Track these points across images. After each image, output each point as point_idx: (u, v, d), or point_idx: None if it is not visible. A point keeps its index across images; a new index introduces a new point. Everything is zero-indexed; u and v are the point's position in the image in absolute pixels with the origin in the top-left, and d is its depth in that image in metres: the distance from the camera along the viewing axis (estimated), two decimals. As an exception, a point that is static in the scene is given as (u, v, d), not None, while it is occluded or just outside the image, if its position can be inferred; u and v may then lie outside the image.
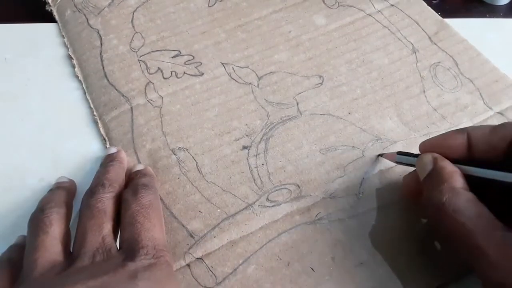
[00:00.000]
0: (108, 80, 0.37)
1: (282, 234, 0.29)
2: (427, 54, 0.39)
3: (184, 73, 0.38)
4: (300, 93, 0.36)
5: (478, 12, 0.44)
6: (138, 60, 0.38)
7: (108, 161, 0.31)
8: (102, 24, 0.41)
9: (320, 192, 0.31)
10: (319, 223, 0.30)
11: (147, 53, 0.39)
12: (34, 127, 0.35)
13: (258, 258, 0.28)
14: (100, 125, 0.35)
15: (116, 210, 0.27)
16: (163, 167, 0.32)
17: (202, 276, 0.28)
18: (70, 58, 0.39)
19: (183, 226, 0.30)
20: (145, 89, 0.36)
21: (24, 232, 0.26)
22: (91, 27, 0.41)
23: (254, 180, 0.32)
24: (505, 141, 0.24)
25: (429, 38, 0.40)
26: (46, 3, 0.43)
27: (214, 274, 0.28)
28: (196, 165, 0.32)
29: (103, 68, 0.38)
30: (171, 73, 0.37)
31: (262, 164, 0.32)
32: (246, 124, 0.35)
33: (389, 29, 0.41)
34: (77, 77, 0.38)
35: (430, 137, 0.32)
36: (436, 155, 0.26)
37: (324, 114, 0.35)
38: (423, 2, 0.43)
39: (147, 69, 0.38)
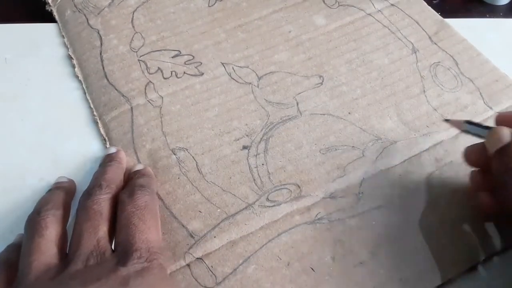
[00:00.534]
0: (108, 80, 0.37)
1: (282, 234, 0.29)
2: (427, 54, 0.39)
3: (184, 73, 0.38)
4: (300, 93, 0.36)
5: (478, 12, 0.44)
6: (138, 60, 0.38)
7: (107, 161, 0.31)
8: (102, 24, 0.41)
9: (320, 192, 0.31)
10: (319, 223, 0.30)
11: (147, 53, 0.39)
12: (34, 127, 0.35)
13: (258, 258, 0.28)
14: (100, 125, 0.35)
15: (113, 211, 0.27)
16: (163, 167, 0.32)
17: (202, 276, 0.28)
18: (70, 58, 0.39)
19: (183, 226, 0.30)
20: (145, 89, 0.36)
21: (24, 232, 0.26)
22: (91, 27, 0.41)
23: (254, 180, 0.32)
24: None
25: (429, 37, 0.40)
26: (46, 3, 0.43)
27: (214, 274, 0.28)
28: (196, 165, 0.32)
29: (103, 68, 0.38)
30: (171, 73, 0.37)
31: (262, 164, 0.32)
32: (246, 124, 0.35)
33: (389, 29, 0.41)
34: (77, 77, 0.38)
35: (431, 137, 0.32)
36: None
37: (324, 114, 0.35)
38: (423, 1, 0.43)
39: (147, 69, 0.38)
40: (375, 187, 0.31)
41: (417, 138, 0.34)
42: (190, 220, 0.30)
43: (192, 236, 0.29)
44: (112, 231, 0.26)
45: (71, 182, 0.31)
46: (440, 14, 0.42)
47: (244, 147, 0.33)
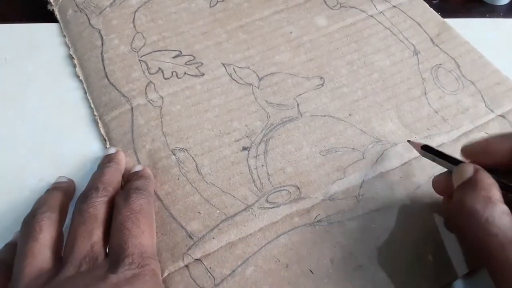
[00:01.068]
0: (108, 80, 0.37)
1: (281, 236, 0.29)
2: (429, 56, 0.39)
3: (185, 73, 0.38)
4: (300, 94, 0.36)
5: (478, 12, 0.44)
6: (139, 60, 0.38)
7: (105, 162, 0.31)
8: (104, 24, 0.41)
9: (320, 194, 0.31)
10: (318, 225, 0.30)
11: (148, 53, 0.39)
12: (34, 127, 0.35)
13: (257, 259, 0.28)
14: (100, 125, 0.35)
15: (109, 214, 0.27)
16: (162, 168, 0.32)
17: (201, 277, 0.28)
18: (71, 58, 0.39)
19: (182, 227, 0.30)
20: (145, 89, 0.36)
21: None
22: (93, 27, 0.41)
23: (254, 181, 0.32)
24: None
25: (431, 40, 0.40)
26: (48, 3, 0.43)
27: (212, 276, 0.28)
28: (196, 166, 0.32)
29: (104, 68, 0.38)
30: (172, 73, 0.37)
31: (262, 166, 0.32)
32: (246, 125, 0.34)
33: (390, 31, 0.40)
34: (77, 76, 0.38)
35: (431, 140, 0.32)
36: (478, 166, 0.25)
37: (324, 116, 0.35)
38: (425, 3, 0.43)
39: (147, 69, 0.38)
40: (375, 189, 0.31)
41: (418, 140, 0.34)
42: (189, 221, 0.30)
43: (191, 237, 0.29)
44: (107, 235, 0.26)
45: (70, 183, 0.31)
46: (440, 14, 0.42)
47: (244, 148, 0.33)
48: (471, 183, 0.24)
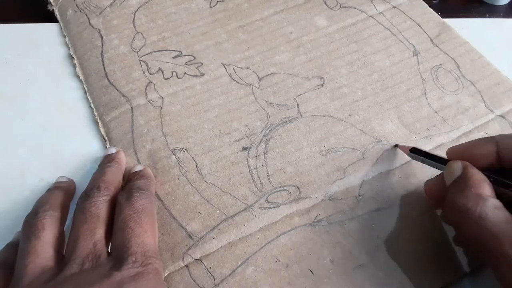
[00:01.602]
0: (109, 80, 0.37)
1: (281, 236, 0.29)
2: (429, 56, 0.39)
3: (185, 73, 0.38)
4: (300, 95, 0.36)
5: (478, 12, 0.44)
6: (139, 60, 0.38)
7: (106, 162, 0.31)
8: (104, 24, 0.41)
9: (320, 194, 0.31)
10: (318, 225, 0.30)
11: (148, 53, 0.39)
12: (34, 127, 0.35)
13: (257, 259, 0.28)
14: (100, 125, 0.35)
15: (111, 213, 0.27)
16: (162, 168, 0.32)
17: (201, 277, 0.28)
18: (71, 58, 0.39)
19: (182, 227, 0.30)
20: (145, 89, 0.36)
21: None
22: (93, 27, 0.41)
23: (254, 181, 0.32)
24: None
25: (431, 40, 0.40)
26: (48, 3, 0.43)
27: (212, 276, 0.28)
28: (196, 166, 0.32)
29: (104, 68, 0.38)
30: (172, 74, 0.37)
31: (262, 166, 0.32)
32: (246, 125, 0.34)
33: (390, 31, 0.40)
34: (77, 76, 0.38)
35: (431, 140, 0.32)
36: (466, 163, 0.26)
37: (324, 116, 0.35)
38: (425, 4, 0.43)
39: (148, 69, 0.38)
40: (375, 189, 0.31)
41: (418, 140, 0.34)
42: (189, 221, 0.30)
43: (191, 237, 0.29)
44: (109, 234, 0.26)
45: (71, 182, 0.31)
46: (440, 14, 0.42)
47: (244, 148, 0.33)
48: (461, 181, 0.25)
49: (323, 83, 0.37)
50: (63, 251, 0.25)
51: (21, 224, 0.26)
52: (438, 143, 0.34)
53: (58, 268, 0.24)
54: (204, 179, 0.32)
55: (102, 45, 0.39)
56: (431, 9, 0.42)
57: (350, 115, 0.35)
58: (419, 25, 0.41)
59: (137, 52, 0.39)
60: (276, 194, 0.31)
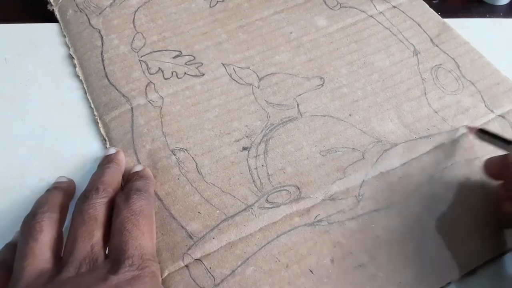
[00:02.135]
0: (109, 80, 0.37)
1: (281, 236, 0.29)
2: (429, 56, 0.39)
3: (185, 73, 0.38)
4: (300, 95, 0.36)
5: (478, 12, 0.44)
6: (139, 60, 0.38)
7: (105, 162, 0.31)
8: (104, 24, 0.41)
9: (320, 194, 0.31)
10: (318, 225, 0.30)
11: (148, 53, 0.39)
12: (34, 127, 0.35)
13: (257, 259, 0.28)
14: (100, 125, 0.35)
15: (109, 215, 0.26)
16: (162, 168, 0.32)
17: (201, 277, 0.28)
18: (71, 58, 0.39)
19: (182, 227, 0.30)
20: (145, 89, 0.36)
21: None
22: (93, 27, 0.41)
23: (254, 181, 0.32)
24: None
25: (431, 40, 0.40)
26: (48, 3, 0.43)
27: (212, 276, 0.28)
28: (196, 166, 0.32)
29: (104, 68, 0.38)
30: (172, 74, 0.37)
31: (262, 166, 0.32)
32: (246, 125, 0.34)
33: (390, 31, 0.40)
34: (77, 76, 0.38)
35: (432, 140, 0.33)
36: None
37: (324, 116, 0.35)
38: (425, 4, 0.43)
39: (148, 69, 0.38)
40: (375, 189, 0.31)
41: (418, 140, 0.34)
42: (189, 221, 0.30)
43: (191, 237, 0.29)
44: (107, 235, 0.26)
45: (70, 183, 0.31)
46: (440, 14, 0.42)
47: (244, 148, 0.33)
48: None
49: (323, 83, 0.37)
50: (61, 253, 0.25)
51: (21, 224, 0.26)
52: (438, 142, 0.34)
53: (55, 270, 0.24)
54: (204, 179, 0.32)
55: (102, 45, 0.39)
56: (431, 9, 0.42)
57: (350, 115, 0.35)
58: (419, 25, 0.41)
59: (137, 52, 0.39)
60: (276, 194, 0.31)
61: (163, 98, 0.36)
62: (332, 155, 0.33)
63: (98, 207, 0.26)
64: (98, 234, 0.25)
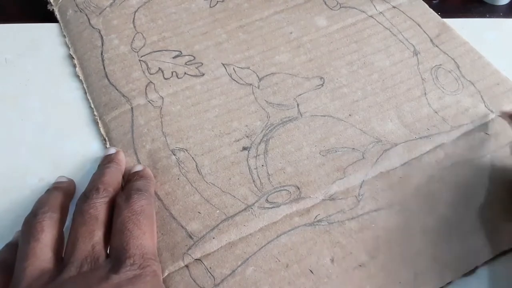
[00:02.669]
0: (109, 80, 0.37)
1: (281, 236, 0.29)
2: (429, 57, 0.39)
3: (185, 73, 0.38)
4: (300, 95, 0.36)
5: (478, 12, 0.44)
6: (139, 60, 0.38)
7: (105, 162, 0.31)
8: (104, 24, 0.41)
9: (320, 194, 0.31)
10: (318, 225, 0.30)
11: (148, 53, 0.39)
12: (34, 127, 0.35)
13: (257, 259, 0.28)
14: (100, 125, 0.35)
15: (110, 215, 0.27)
16: (162, 168, 0.32)
17: (201, 277, 0.28)
18: (71, 58, 0.39)
19: (182, 227, 0.30)
20: (145, 89, 0.36)
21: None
22: (93, 27, 0.41)
23: (254, 181, 0.32)
24: None
25: (431, 40, 0.40)
26: (47, 3, 0.43)
27: (212, 276, 0.28)
28: (196, 165, 0.32)
29: (104, 68, 0.38)
30: (172, 74, 0.37)
31: (262, 165, 0.32)
32: (246, 125, 0.34)
33: (390, 31, 0.40)
34: (77, 76, 0.38)
35: (432, 140, 0.32)
36: None
37: (324, 116, 0.35)
38: (425, 4, 0.43)
39: (148, 69, 0.38)
40: (375, 189, 0.31)
41: (418, 140, 0.34)
42: (189, 221, 0.30)
43: (191, 237, 0.29)
44: (108, 235, 0.26)
45: (71, 182, 0.31)
46: (440, 14, 0.42)
47: (244, 148, 0.33)
48: None
49: (323, 83, 0.37)
50: (62, 253, 0.25)
51: (21, 224, 0.26)
52: (438, 142, 0.34)
53: (56, 270, 0.24)
54: (204, 179, 0.32)
55: (102, 45, 0.39)
56: (431, 9, 0.42)
57: (350, 115, 0.35)
58: (419, 25, 0.41)
59: (137, 52, 0.39)
60: (276, 194, 0.31)
61: (163, 98, 0.36)
62: (332, 155, 0.33)
63: (99, 207, 0.26)
64: (99, 234, 0.25)
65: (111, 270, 0.23)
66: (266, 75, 0.38)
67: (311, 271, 0.28)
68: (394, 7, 0.42)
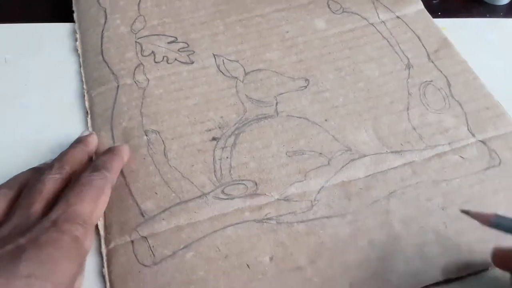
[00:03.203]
0: (103, 57, 0.39)
1: (228, 228, 0.30)
2: (421, 71, 0.38)
3: (175, 59, 0.39)
4: (282, 94, 0.37)
5: (478, 12, 0.44)
6: (135, 41, 0.40)
7: (73, 143, 0.31)
8: (111, 3, 0.42)
9: (276, 193, 0.31)
10: (267, 223, 0.30)
11: (145, 36, 0.40)
12: (34, 127, 0.35)
13: (199, 246, 0.29)
14: (86, 98, 0.37)
15: (58, 191, 0.27)
16: (133, 146, 0.33)
17: (142, 254, 0.29)
18: (74, 32, 0.41)
19: (137, 204, 0.31)
20: (134, 70, 0.38)
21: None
22: (100, 5, 0.42)
23: (215, 171, 0.32)
24: None
25: (428, 55, 0.39)
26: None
27: (153, 254, 0.29)
28: (164, 149, 0.33)
29: (102, 45, 0.40)
30: (163, 58, 0.39)
31: (227, 157, 0.33)
32: (221, 117, 0.35)
33: (388, 41, 0.40)
34: (79, 74, 0.38)
35: (402, 156, 0.32)
36: None
37: (300, 118, 0.35)
38: (430, 17, 0.41)
39: (141, 51, 0.39)
40: (332, 197, 0.31)
41: (388, 154, 0.33)
42: (144, 200, 0.31)
43: (142, 215, 0.30)
44: (50, 210, 0.25)
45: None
46: (440, 14, 0.41)
47: (214, 139, 0.34)
48: None
49: (307, 85, 0.37)
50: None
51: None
52: (409, 160, 0.33)
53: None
54: (169, 162, 0.33)
55: (105, 23, 0.41)
56: (435, 23, 0.41)
57: (326, 120, 0.35)
58: (419, 38, 0.40)
59: (136, 33, 0.40)
60: (233, 186, 0.32)
61: (149, 80, 0.37)
62: (298, 157, 0.33)
63: (47, 182, 0.27)
64: (37, 206, 0.25)
65: (20, 233, 0.23)
66: (253, 70, 0.38)
67: (248, 265, 0.29)
68: (398, 17, 0.41)
